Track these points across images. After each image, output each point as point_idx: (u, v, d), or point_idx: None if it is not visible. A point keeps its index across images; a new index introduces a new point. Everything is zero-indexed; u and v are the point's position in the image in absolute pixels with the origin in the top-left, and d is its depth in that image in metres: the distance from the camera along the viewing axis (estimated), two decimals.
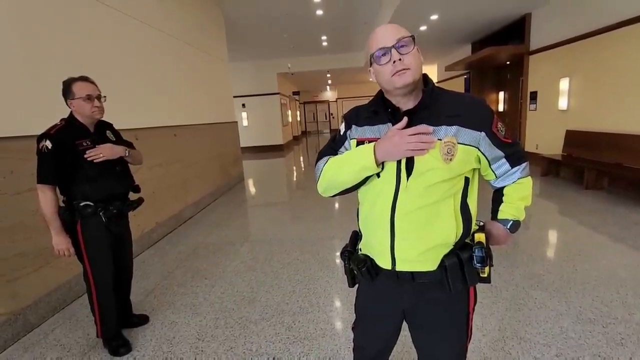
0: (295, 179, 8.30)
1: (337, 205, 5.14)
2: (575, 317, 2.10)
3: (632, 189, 4.66)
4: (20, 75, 2.38)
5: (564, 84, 6.08)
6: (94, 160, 1.83)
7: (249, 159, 11.06)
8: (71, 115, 1.89)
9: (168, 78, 4.55)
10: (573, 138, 5.87)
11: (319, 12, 7.50)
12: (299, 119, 20.96)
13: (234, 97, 8.03)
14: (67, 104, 1.88)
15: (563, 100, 6.14)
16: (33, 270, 2.35)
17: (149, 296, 2.68)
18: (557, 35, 6.23)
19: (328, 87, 21.78)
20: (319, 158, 1.13)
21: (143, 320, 2.33)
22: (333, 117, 22.90)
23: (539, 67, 6.91)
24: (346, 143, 1.09)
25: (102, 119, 1.98)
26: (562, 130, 6.11)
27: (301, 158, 11.93)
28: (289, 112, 16.30)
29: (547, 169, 6.15)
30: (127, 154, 1.99)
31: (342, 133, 1.10)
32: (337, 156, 1.07)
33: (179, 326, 2.27)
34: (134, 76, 3.69)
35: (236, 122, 7.60)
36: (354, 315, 1.23)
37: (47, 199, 1.79)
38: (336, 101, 22.38)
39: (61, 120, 1.88)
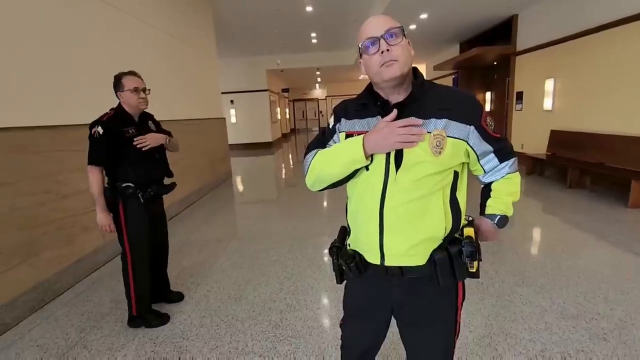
0: (283, 176, 8.25)
1: (325, 202, 5.13)
2: (559, 313, 2.13)
3: (613, 188, 4.78)
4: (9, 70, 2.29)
5: (549, 85, 6.19)
6: (142, 148, 2.02)
7: (237, 156, 10.96)
8: (119, 105, 2.07)
9: (154, 72, 4.44)
10: (557, 138, 5.99)
11: (309, 8, 7.45)
12: (288, 116, 20.87)
13: (222, 93, 7.92)
14: (116, 96, 2.06)
15: (548, 100, 6.26)
16: (9, 268, 2.26)
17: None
18: (542, 36, 6.34)
19: (317, 84, 21.74)
20: (307, 151, 1.10)
21: (178, 297, 2.49)
22: (322, 115, 22.88)
23: (525, 67, 7.02)
24: (335, 136, 1.07)
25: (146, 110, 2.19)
26: (547, 130, 6.22)
27: (290, 155, 11.87)
28: (278, 109, 16.21)
29: (532, 168, 6.26)
30: (167, 142, 2.17)
31: (331, 126, 1.08)
32: (326, 149, 1.05)
33: (163, 325, 2.21)
34: (117, 68, 3.58)
35: (224, 118, 7.50)
36: (342, 312, 1.21)
37: (94, 178, 1.98)
38: (325, 99, 22.36)
39: (111, 109, 2.06)
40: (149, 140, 2.06)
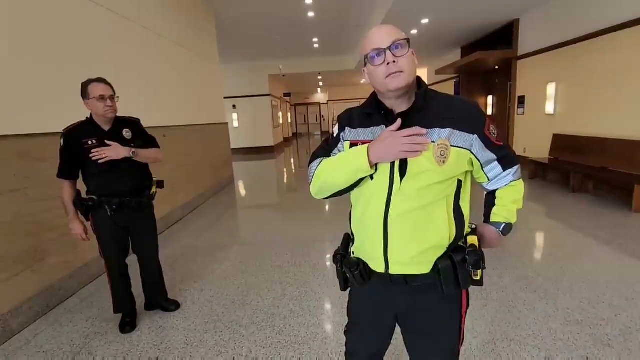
0: (286, 181, 8.27)
1: (328, 207, 5.13)
2: (563, 318, 2.13)
3: (616, 192, 4.76)
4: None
5: (551, 89, 6.20)
6: (99, 161, 1.93)
7: (240, 161, 10.99)
8: (91, 115, 2.02)
9: (158, 78, 4.48)
10: (560, 142, 5.98)
11: (311, 14, 7.50)
12: (290, 120, 20.92)
13: (225, 98, 7.97)
14: (85, 104, 1.98)
15: (550, 104, 6.25)
16: (13, 274, 2.27)
17: (135, 301, 2.61)
18: (544, 40, 6.36)
19: (319, 89, 21.81)
20: (312, 160, 1.11)
21: (174, 306, 2.47)
22: (324, 119, 22.93)
23: (527, 71, 7.03)
24: (340, 145, 1.08)
25: (129, 116, 2.19)
26: (549, 134, 6.22)
27: (292, 160, 11.90)
28: (280, 114, 16.26)
29: (535, 173, 6.25)
30: (131, 155, 2.02)
31: (335, 135, 1.09)
32: (330, 158, 1.06)
33: (167, 331, 2.22)
34: (122, 76, 3.62)
35: (227, 123, 7.53)
36: (346, 318, 1.21)
37: (63, 189, 2.04)
38: (327, 103, 22.42)
39: (87, 118, 2.04)
40: (108, 153, 1.94)
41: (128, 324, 2.24)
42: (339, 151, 1.07)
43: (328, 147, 1.11)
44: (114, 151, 1.96)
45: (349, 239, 1.14)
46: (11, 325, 2.23)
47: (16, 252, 2.30)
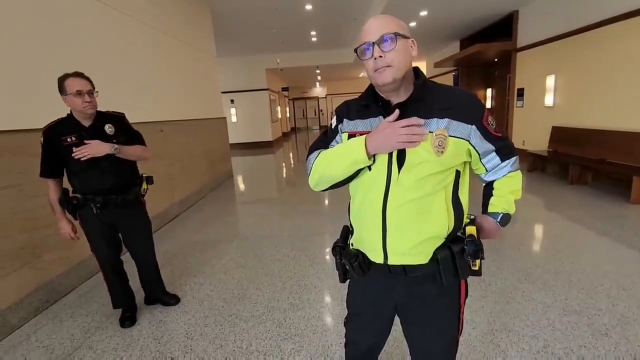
0: (284, 175, 8.26)
1: (326, 200, 5.13)
2: (561, 309, 2.14)
3: (615, 184, 4.77)
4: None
5: (550, 81, 6.18)
6: (81, 159, 1.87)
7: (238, 155, 10.97)
8: (71, 110, 1.95)
9: (154, 72, 4.45)
10: (558, 134, 5.98)
11: (308, 6, 7.43)
12: (288, 115, 20.86)
13: (223, 93, 7.93)
14: (63, 100, 1.91)
15: (549, 96, 6.24)
16: (12, 270, 2.27)
17: (136, 295, 2.62)
18: (543, 32, 6.32)
19: (317, 83, 21.70)
20: (310, 152, 1.11)
21: (173, 300, 2.47)
22: (322, 114, 22.86)
23: (526, 64, 7.00)
24: (338, 137, 1.07)
25: (113, 110, 2.12)
26: (548, 127, 6.21)
27: (290, 154, 11.87)
28: (278, 108, 16.19)
29: (534, 165, 6.25)
30: (113, 151, 1.95)
31: (333, 127, 1.09)
32: (328, 149, 1.05)
33: (167, 325, 2.23)
34: (117, 71, 3.59)
35: (224, 118, 7.50)
36: (346, 310, 1.21)
37: (48, 188, 1.99)
38: (325, 97, 22.33)
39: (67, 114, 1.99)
40: (89, 150, 1.86)
41: (128, 319, 2.25)
42: (337, 143, 1.07)
43: (326, 139, 1.10)
44: (94, 148, 1.88)
45: (347, 231, 1.14)
46: (11, 320, 2.23)
47: (14, 248, 2.30)
